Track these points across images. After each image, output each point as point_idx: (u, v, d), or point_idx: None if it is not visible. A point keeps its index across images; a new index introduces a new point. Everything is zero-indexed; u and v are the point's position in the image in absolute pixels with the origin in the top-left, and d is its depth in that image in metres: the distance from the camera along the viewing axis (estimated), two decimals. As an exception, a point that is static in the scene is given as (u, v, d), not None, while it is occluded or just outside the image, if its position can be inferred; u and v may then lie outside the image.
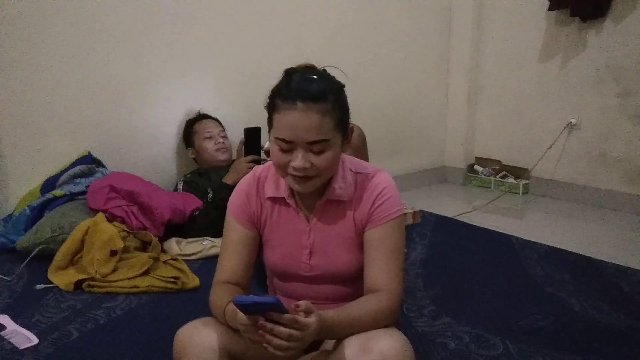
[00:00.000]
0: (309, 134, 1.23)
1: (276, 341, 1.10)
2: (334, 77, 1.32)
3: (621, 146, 3.45)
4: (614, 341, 1.84)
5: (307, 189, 1.31)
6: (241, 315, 1.13)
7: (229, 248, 1.42)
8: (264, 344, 1.12)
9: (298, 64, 1.32)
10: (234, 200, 1.43)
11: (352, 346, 1.20)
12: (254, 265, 1.45)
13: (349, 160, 1.42)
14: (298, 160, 1.24)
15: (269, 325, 1.10)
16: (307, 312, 1.14)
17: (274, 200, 1.41)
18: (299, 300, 1.15)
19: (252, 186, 1.42)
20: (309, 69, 1.31)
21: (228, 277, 1.39)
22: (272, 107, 1.28)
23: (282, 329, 1.10)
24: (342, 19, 3.55)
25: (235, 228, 1.42)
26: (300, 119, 1.22)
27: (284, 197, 1.39)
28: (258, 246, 1.45)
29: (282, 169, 1.29)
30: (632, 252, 2.72)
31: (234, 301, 1.11)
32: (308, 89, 1.22)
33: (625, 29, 3.33)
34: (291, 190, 1.38)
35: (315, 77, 1.26)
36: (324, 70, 1.33)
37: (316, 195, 1.37)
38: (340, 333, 1.23)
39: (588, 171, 3.63)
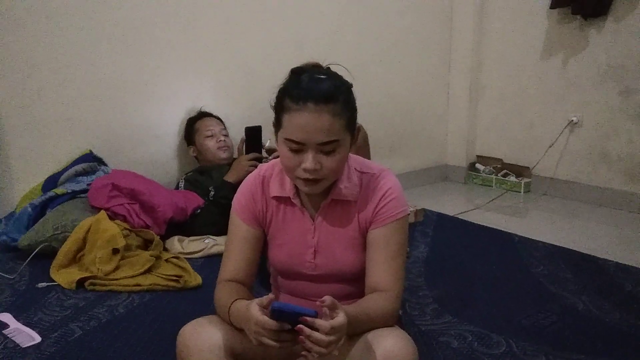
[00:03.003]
0: (321, 135, 1.22)
1: (316, 348, 1.10)
2: (342, 77, 1.30)
3: (623, 145, 3.45)
4: (617, 340, 1.84)
5: (315, 191, 1.30)
6: (266, 319, 1.12)
7: (234, 246, 1.41)
8: (303, 353, 1.12)
9: (303, 63, 1.31)
10: (239, 199, 1.43)
11: (358, 345, 1.20)
12: (258, 264, 1.45)
13: (354, 159, 1.41)
14: (309, 161, 1.23)
15: (307, 331, 1.09)
16: (332, 308, 1.13)
17: (279, 199, 1.41)
18: (303, 299, 1.15)
19: (257, 185, 1.42)
20: (316, 68, 1.30)
21: (232, 276, 1.39)
22: (280, 108, 1.26)
23: (320, 336, 1.09)
24: (344, 17, 3.54)
25: (240, 226, 1.41)
26: (311, 120, 1.21)
27: (289, 197, 1.38)
28: (263, 245, 1.45)
29: (292, 171, 1.28)
30: (635, 251, 2.72)
31: (273, 307, 1.10)
32: (319, 89, 1.21)
33: (626, 27, 3.32)
34: (296, 190, 1.38)
35: (324, 77, 1.25)
36: (329, 68, 1.32)
37: (322, 194, 1.37)
38: (353, 331, 1.23)
39: (590, 170, 3.63)
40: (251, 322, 1.14)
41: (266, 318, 1.12)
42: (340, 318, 1.11)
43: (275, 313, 1.11)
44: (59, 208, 2.47)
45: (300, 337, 1.10)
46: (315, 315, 1.08)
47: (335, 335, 1.10)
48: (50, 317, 1.93)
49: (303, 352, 1.12)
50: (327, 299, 1.13)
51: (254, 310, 1.13)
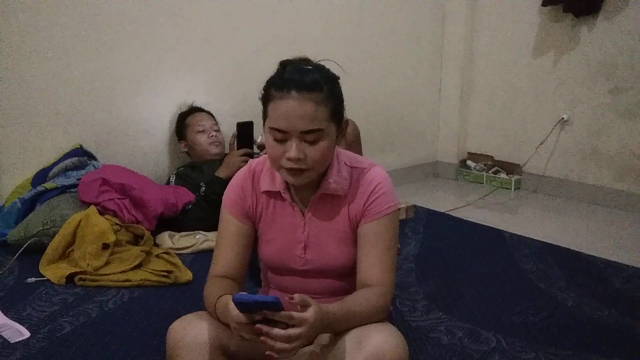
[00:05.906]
0: (303, 123, 1.22)
1: (278, 345, 1.10)
2: (328, 69, 1.32)
3: (613, 142, 3.46)
4: (605, 336, 1.85)
5: (300, 181, 1.30)
6: (235, 312, 1.12)
7: (224, 242, 1.41)
8: (268, 352, 1.12)
9: (293, 57, 1.33)
10: (229, 194, 1.43)
11: (347, 341, 1.20)
12: (249, 259, 1.45)
13: (344, 154, 1.42)
14: (292, 150, 1.24)
15: (265, 329, 1.10)
16: (304, 306, 1.13)
17: (269, 194, 1.41)
18: (293, 294, 1.15)
19: (247, 180, 1.42)
20: (304, 60, 1.31)
21: (223, 271, 1.39)
22: (266, 98, 1.28)
23: (279, 331, 1.10)
24: (336, 14, 3.54)
25: (230, 222, 1.41)
26: (294, 108, 1.22)
27: (279, 191, 1.38)
28: (253, 240, 1.45)
29: (277, 161, 1.28)
30: (623, 248, 2.73)
31: (234, 299, 1.10)
32: (302, 78, 1.23)
33: (617, 25, 3.34)
34: (286, 184, 1.38)
35: (309, 67, 1.27)
36: (319, 63, 1.33)
37: (311, 189, 1.37)
38: (342, 327, 1.23)
39: (580, 167, 3.65)
40: (229, 318, 1.15)
41: (237, 312, 1.12)
42: (305, 313, 1.11)
43: (239, 305, 1.11)
44: (49, 203, 2.46)
45: (262, 338, 1.10)
46: (277, 302, 1.08)
47: (296, 331, 1.10)
48: (40, 313, 1.92)
49: (267, 352, 1.12)
50: (296, 296, 1.13)
51: (230, 305, 1.13)
